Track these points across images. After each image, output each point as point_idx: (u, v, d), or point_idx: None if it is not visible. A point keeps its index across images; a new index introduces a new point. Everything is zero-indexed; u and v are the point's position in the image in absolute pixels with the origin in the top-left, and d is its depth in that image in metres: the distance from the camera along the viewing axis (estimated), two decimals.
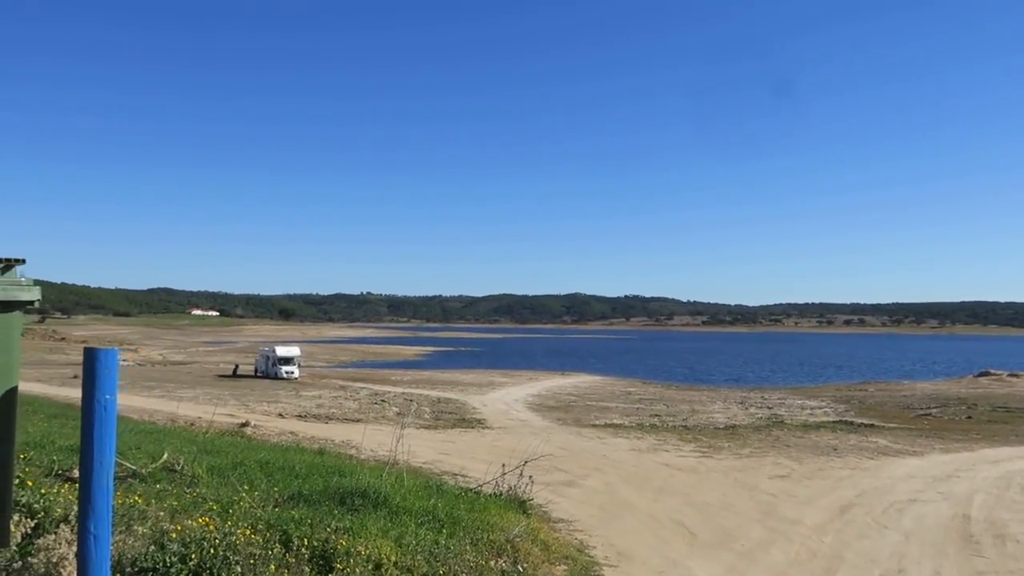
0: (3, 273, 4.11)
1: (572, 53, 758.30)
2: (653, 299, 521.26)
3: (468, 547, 7.39)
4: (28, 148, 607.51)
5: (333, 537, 6.29)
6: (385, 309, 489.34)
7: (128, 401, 37.80)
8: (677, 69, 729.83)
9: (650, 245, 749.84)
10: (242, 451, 12.62)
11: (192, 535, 5.35)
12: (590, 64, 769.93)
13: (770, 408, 46.73)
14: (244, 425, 28.21)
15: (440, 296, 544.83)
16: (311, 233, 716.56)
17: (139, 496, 6.88)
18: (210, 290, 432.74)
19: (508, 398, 51.68)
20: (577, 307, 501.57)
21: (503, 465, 12.52)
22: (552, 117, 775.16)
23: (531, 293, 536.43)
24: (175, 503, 7.14)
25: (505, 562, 8.05)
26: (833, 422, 37.85)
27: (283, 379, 63.39)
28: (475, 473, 17.64)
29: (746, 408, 46.99)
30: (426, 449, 25.05)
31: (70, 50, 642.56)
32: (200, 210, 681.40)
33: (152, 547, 5.02)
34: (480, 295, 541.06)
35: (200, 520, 5.89)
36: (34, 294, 4.15)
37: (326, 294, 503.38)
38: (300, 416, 36.83)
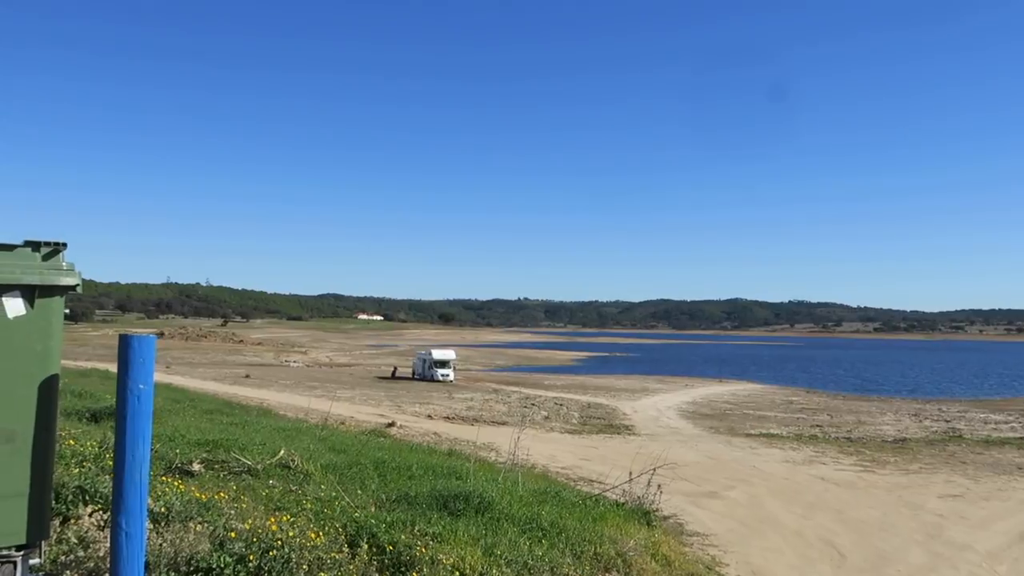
0: (47, 259, 4.00)
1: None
2: (820, 304, 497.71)
3: (568, 559, 6.83)
4: (217, 165, 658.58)
5: (417, 543, 5.94)
6: (542, 314, 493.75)
7: (290, 400, 39.72)
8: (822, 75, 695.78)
9: (817, 249, 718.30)
10: (367, 450, 12.62)
11: (257, 535, 5.13)
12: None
13: (948, 421, 43.06)
14: (390, 425, 28.79)
15: (596, 301, 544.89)
16: (471, 240, 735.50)
17: (226, 493, 6.82)
18: (375, 296, 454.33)
19: (660, 405, 50.42)
20: (738, 313, 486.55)
21: (630, 472, 11.86)
22: (674, 129, 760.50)
23: (690, 298, 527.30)
24: (257, 500, 7.05)
25: None
26: (1020, 438, 34.31)
27: (438, 381, 64.69)
28: (613, 481, 17.02)
29: (920, 421, 43.53)
30: (567, 454, 24.65)
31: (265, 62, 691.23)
32: (368, 218, 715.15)
33: (210, 546, 4.84)
34: (637, 300, 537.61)
35: (271, 520, 5.68)
36: (74, 279, 4.02)
37: (484, 299, 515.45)
38: (448, 418, 37.31)
